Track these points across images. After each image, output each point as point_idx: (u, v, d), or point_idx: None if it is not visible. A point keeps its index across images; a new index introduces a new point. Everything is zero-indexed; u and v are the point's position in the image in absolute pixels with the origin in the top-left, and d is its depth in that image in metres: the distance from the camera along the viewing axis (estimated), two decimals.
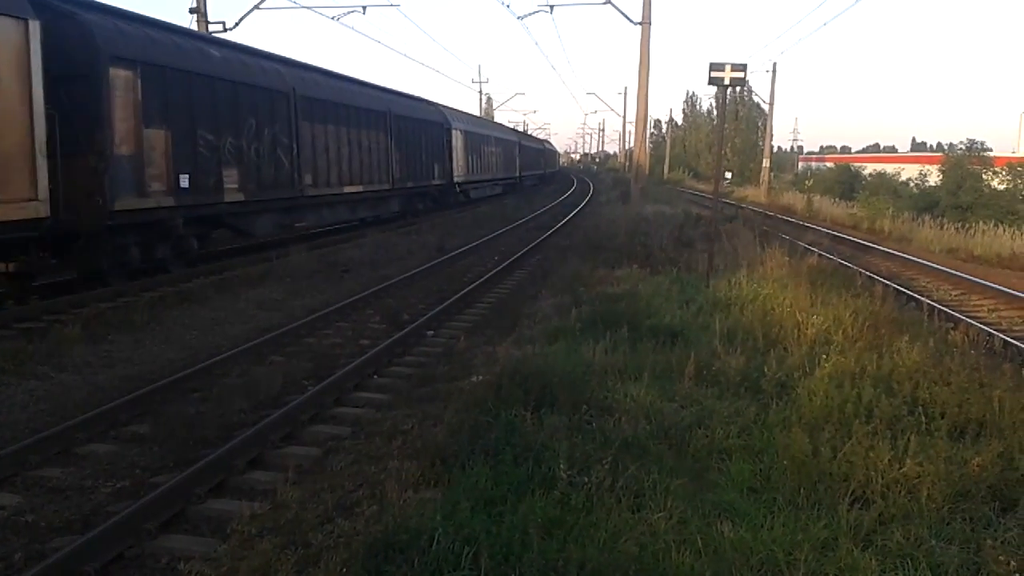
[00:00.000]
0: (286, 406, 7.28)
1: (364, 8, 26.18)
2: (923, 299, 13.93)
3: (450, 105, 36.56)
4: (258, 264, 16.14)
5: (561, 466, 5.03)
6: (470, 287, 14.14)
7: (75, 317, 11.00)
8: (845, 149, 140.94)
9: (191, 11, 23.23)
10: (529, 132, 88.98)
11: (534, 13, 29.28)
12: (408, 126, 27.09)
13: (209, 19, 23.38)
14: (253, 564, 4.47)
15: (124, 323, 11.00)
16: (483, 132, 41.82)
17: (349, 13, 26.30)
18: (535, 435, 5.72)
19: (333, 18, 26.78)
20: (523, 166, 57.17)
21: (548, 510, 4.63)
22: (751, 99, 73.21)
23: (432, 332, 11.01)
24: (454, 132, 33.80)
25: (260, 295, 13.55)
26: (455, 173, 33.74)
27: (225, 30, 23.73)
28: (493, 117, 78.19)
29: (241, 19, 24.79)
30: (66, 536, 5.13)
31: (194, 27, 22.29)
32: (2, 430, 7.03)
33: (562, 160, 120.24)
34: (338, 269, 16.41)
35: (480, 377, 7.56)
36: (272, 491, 5.63)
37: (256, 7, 24.93)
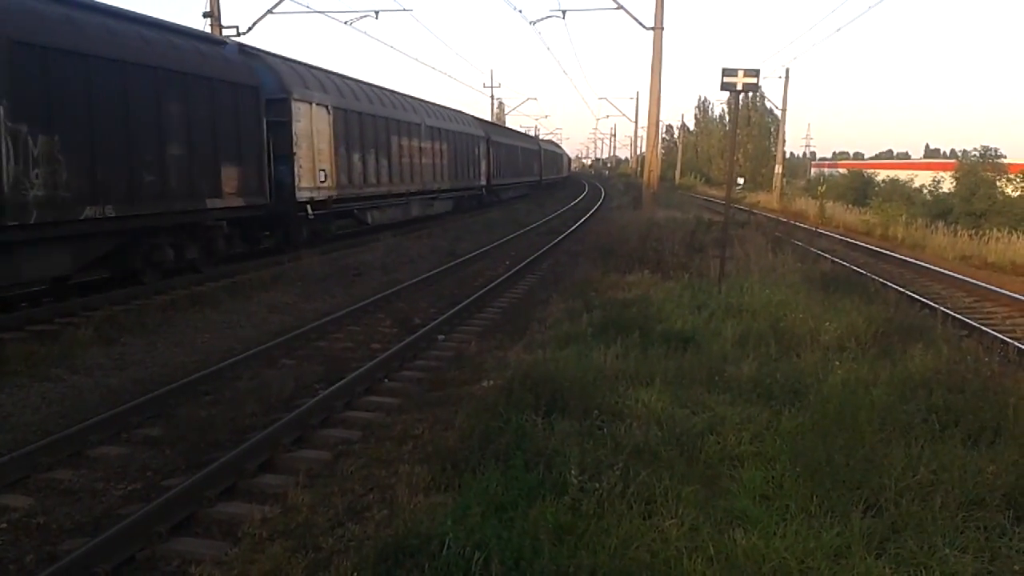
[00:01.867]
0: (297, 409, 7.28)
1: (377, 13, 26.16)
2: (937, 306, 13.84)
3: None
4: (270, 268, 16.17)
5: (572, 472, 5.03)
6: (481, 291, 14.13)
7: (87, 319, 11.05)
8: (858, 155, 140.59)
9: (205, 15, 23.34)
10: (540, 136, 78.94)
11: (546, 18, 28.99)
12: None
13: (223, 23, 23.50)
14: (264, 568, 4.48)
15: (136, 326, 11.04)
16: (359, 108, 22.40)
17: (362, 18, 26.25)
18: (546, 440, 5.71)
19: (346, 23, 26.64)
20: (500, 171, 41.04)
21: (559, 516, 4.62)
22: (763, 105, 73.21)
23: (443, 336, 11.00)
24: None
25: (272, 298, 13.58)
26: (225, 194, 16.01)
27: (239, 34, 23.85)
28: (505, 122, 73.95)
29: (254, 23, 24.86)
30: (77, 538, 5.14)
31: (208, 31, 22.40)
32: (15, 432, 7.06)
33: (574, 165, 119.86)
34: (350, 273, 16.44)
35: (491, 382, 7.56)
36: (283, 495, 5.64)
37: (269, 11, 25.00)
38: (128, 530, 4.94)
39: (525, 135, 62.07)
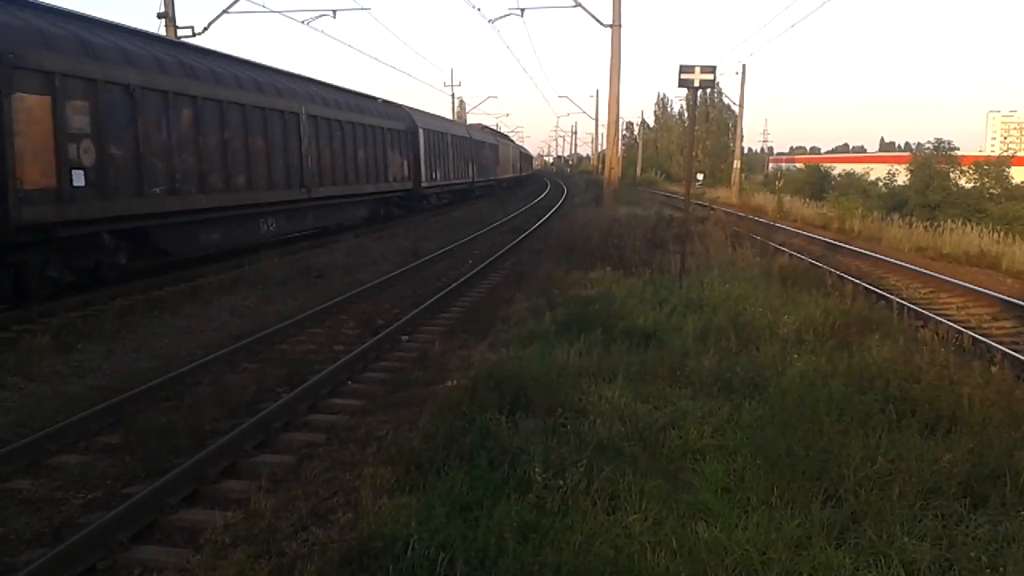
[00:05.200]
0: (259, 414, 7.22)
1: (335, 12, 25.99)
2: (893, 297, 14.05)
3: None
4: (230, 271, 15.99)
5: (536, 469, 5.04)
6: (444, 291, 14.10)
7: (45, 326, 10.86)
8: (814, 150, 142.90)
9: (159, 16, 23.01)
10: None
11: (505, 16, 28.80)
12: None
13: (178, 24, 23.18)
14: (227, 574, 4.44)
15: (94, 332, 10.86)
16: None
17: (319, 17, 26.07)
18: (510, 439, 5.72)
19: (303, 22, 26.44)
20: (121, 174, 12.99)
21: (523, 514, 4.63)
22: (721, 101, 73.92)
23: (407, 337, 10.97)
24: None
25: (232, 302, 13.44)
26: None
27: (194, 35, 23.56)
28: (466, 121, 71.79)
29: (210, 23, 24.58)
30: (37, 549, 5.06)
31: (163, 32, 22.09)
32: None
33: (536, 163, 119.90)
34: (311, 274, 16.31)
35: (455, 381, 7.54)
36: (246, 500, 5.58)
37: (226, 11, 24.73)
38: (88, 539, 4.87)
39: (360, 95, 27.52)
